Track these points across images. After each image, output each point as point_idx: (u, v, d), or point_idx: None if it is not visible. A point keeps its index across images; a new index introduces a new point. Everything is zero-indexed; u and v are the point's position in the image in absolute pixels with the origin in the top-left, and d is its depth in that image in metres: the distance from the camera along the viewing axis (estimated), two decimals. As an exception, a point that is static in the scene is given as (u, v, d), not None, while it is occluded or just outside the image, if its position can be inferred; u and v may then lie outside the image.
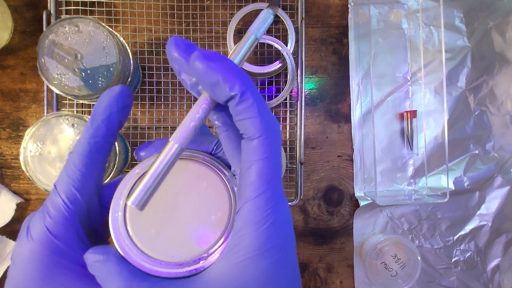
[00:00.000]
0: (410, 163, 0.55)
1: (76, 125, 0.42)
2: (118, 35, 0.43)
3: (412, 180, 0.55)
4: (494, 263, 0.55)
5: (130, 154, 0.51)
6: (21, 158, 0.41)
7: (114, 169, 0.44)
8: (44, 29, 0.48)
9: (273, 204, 0.19)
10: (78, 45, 0.41)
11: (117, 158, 0.44)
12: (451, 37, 0.55)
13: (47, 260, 0.20)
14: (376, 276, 0.52)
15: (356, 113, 0.55)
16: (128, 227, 0.21)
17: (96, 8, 0.51)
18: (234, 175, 0.22)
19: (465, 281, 0.55)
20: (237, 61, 0.20)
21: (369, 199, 0.53)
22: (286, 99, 0.53)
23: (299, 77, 0.51)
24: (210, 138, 0.24)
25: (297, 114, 0.53)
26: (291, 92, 0.52)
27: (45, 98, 0.49)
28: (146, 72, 0.52)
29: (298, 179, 0.52)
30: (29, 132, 0.41)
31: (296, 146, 0.53)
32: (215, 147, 0.23)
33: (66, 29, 0.41)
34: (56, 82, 0.41)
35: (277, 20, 0.52)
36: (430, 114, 0.55)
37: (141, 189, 0.19)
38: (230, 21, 0.50)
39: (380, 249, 0.52)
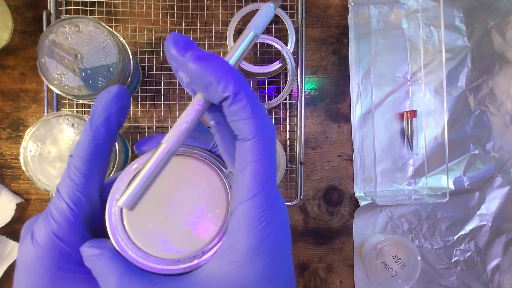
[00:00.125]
0: (410, 163, 0.55)
1: (76, 125, 0.42)
2: (118, 35, 0.43)
3: (412, 180, 0.55)
4: (494, 263, 0.55)
5: (130, 154, 0.51)
6: (21, 158, 0.41)
7: (114, 169, 0.44)
8: (44, 29, 0.48)
9: (267, 205, 0.19)
10: (78, 45, 0.41)
11: (117, 158, 0.44)
12: (451, 37, 0.55)
13: (53, 264, 0.20)
14: (376, 276, 0.52)
15: (356, 113, 0.55)
16: (125, 223, 0.21)
17: (96, 8, 0.51)
18: (232, 173, 0.22)
19: (465, 281, 0.55)
20: (234, 59, 0.20)
21: (369, 199, 0.53)
22: (286, 99, 0.53)
23: (299, 77, 0.51)
24: (209, 136, 0.24)
25: (297, 114, 0.53)
26: (291, 92, 0.52)
27: (45, 98, 0.49)
28: (146, 72, 0.52)
29: (298, 179, 0.52)
30: (29, 132, 0.41)
31: (296, 146, 0.53)
32: (214, 145, 0.23)
33: (66, 29, 0.41)
34: (56, 82, 0.41)
35: (277, 20, 0.52)
36: (430, 114, 0.55)
37: (132, 190, 0.19)
38: (230, 21, 0.50)
39: (380, 249, 0.52)
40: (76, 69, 0.41)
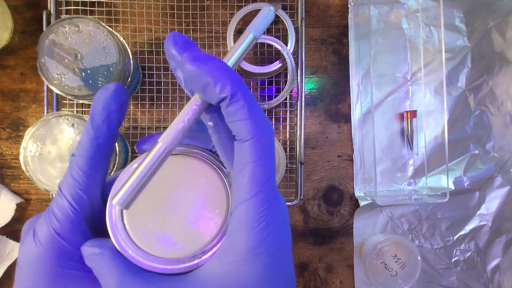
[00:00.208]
0: (410, 163, 0.55)
1: (76, 125, 0.42)
2: (118, 35, 0.43)
3: (412, 180, 0.55)
4: (494, 263, 0.55)
5: (130, 154, 0.51)
6: (21, 158, 0.41)
7: (114, 169, 0.44)
8: (44, 29, 0.48)
9: (267, 206, 0.19)
10: (78, 45, 0.41)
11: (117, 158, 0.44)
12: (451, 37, 0.55)
13: (55, 263, 0.20)
14: (376, 276, 0.52)
15: (356, 113, 0.55)
16: (125, 222, 0.21)
17: (96, 8, 0.51)
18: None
19: (465, 281, 0.55)
20: (233, 61, 0.20)
21: (369, 199, 0.53)
22: (286, 99, 0.53)
23: (299, 77, 0.51)
24: (209, 135, 0.24)
25: (297, 114, 0.53)
26: (291, 92, 0.52)
27: (45, 98, 0.49)
28: (146, 72, 0.52)
29: (298, 179, 0.52)
30: (29, 132, 0.41)
31: (296, 146, 0.53)
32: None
33: (66, 29, 0.41)
34: (56, 82, 0.41)
35: (277, 20, 0.52)
36: (430, 114, 0.55)
37: (126, 189, 0.19)
38: (230, 21, 0.50)
39: (380, 249, 0.52)
40: (76, 69, 0.41)
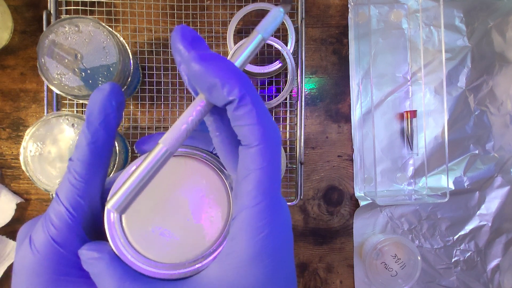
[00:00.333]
0: (410, 163, 0.55)
1: (76, 125, 0.42)
2: (118, 35, 0.43)
3: (412, 180, 0.55)
4: (494, 263, 0.55)
5: (130, 154, 0.51)
6: (21, 158, 0.41)
7: (114, 169, 0.44)
8: (44, 29, 0.48)
9: (270, 213, 0.18)
10: (78, 45, 0.41)
11: (117, 158, 0.44)
12: (451, 37, 0.55)
13: (52, 270, 0.19)
14: (376, 276, 0.52)
15: (356, 113, 0.55)
16: (124, 225, 0.20)
17: (96, 8, 0.51)
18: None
19: (465, 281, 0.55)
20: (239, 62, 0.19)
21: (369, 199, 0.53)
22: (286, 99, 0.53)
23: (299, 77, 0.51)
24: (210, 136, 0.23)
25: (297, 114, 0.53)
26: (291, 92, 0.52)
27: (45, 98, 0.49)
28: (146, 72, 0.52)
29: (298, 179, 0.52)
30: (29, 132, 0.41)
31: (296, 146, 0.53)
32: None
33: (66, 29, 0.41)
34: (56, 82, 0.41)
35: (277, 20, 0.52)
36: (430, 114, 0.55)
37: (122, 193, 0.18)
38: (230, 21, 0.50)
39: (380, 249, 0.52)
40: (76, 69, 0.41)
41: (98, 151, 0.20)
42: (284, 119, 0.54)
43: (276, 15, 0.20)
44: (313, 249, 0.55)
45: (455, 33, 0.55)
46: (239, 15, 0.50)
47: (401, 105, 0.55)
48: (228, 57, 0.48)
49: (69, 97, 0.42)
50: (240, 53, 0.19)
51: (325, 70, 0.55)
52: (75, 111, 0.51)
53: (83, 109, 0.52)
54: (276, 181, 0.19)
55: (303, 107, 0.52)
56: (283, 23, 0.51)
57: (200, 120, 0.19)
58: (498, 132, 0.55)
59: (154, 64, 0.52)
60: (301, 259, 0.55)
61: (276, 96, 0.52)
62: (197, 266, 0.20)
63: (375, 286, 0.53)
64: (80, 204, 0.20)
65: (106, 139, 0.20)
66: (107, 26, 0.41)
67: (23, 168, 0.41)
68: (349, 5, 0.54)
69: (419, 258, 0.51)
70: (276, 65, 0.49)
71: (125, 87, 0.45)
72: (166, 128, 0.53)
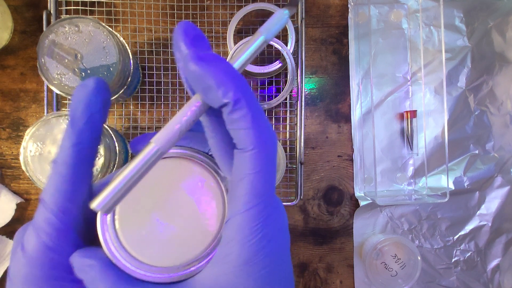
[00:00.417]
0: (410, 163, 0.55)
1: (76, 125, 0.42)
2: (118, 35, 0.43)
3: (412, 180, 0.55)
4: (494, 263, 0.55)
5: (130, 154, 0.51)
6: (21, 158, 0.41)
7: (114, 169, 0.44)
8: (44, 29, 0.48)
9: (264, 217, 0.18)
10: (78, 45, 0.41)
11: (117, 158, 0.44)
12: (451, 37, 0.55)
13: (46, 275, 0.19)
14: (376, 276, 0.52)
15: (356, 113, 0.55)
16: (117, 229, 0.20)
17: (96, 8, 0.51)
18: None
19: (465, 281, 0.55)
20: (239, 64, 0.19)
21: (369, 199, 0.53)
22: (286, 99, 0.53)
23: (299, 77, 0.51)
24: (205, 136, 0.23)
25: (297, 114, 0.53)
26: (291, 92, 0.52)
27: (45, 98, 0.49)
28: (146, 72, 0.52)
29: (298, 179, 0.52)
30: (29, 132, 0.41)
31: (296, 146, 0.53)
32: None
33: (66, 29, 0.41)
34: (56, 82, 0.41)
35: (277, 20, 0.52)
36: (430, 114, 0.55)
37: (108, 193, 0.18)
38: (230, 21, 0.50)
39: (380, 249, 0.52)
40: (76, 69, 0.41)
41: (83, 152, 0.19)
42: (284, 119, 0.54)
43: (281, 17, 0.20)
44: (313, 249, 0.55)
45: (455, 33, 0.55)
46: (239, 15, 0.50)
47: (401, 105, 0.55)
48: (229, 58, 0.48)
49: (69, 97, 0.42)
50: (240, 54, 0.19)
51: (325, 70, 0.55)
52: (75, 111, 0.51)
53: (83, 109, 0.51)
54: (271, 185, 0.19)
55: (303, 107, 0.52)
56: (283, 23, 0.51)
57: (195, 121, 0.19)
58: (498, 132, 0.55)
59: (154, 64, 0.52)
60: (301, 259, 0.55)
61: (276, 96, 0.52)
62: (191, 269, 0.19)
63: (375, 286, 0.53)
64: (68, 207, 0.19)
65: (92, 139, 0.20)
66: (107, 26, 0.41)
67: (23, 168, 0.41)
68: (349, 5, 0.54)
69: (419, 258, 0.51)
70: (276, 65, 0.49)
71: (125, 87, 0.45)
72: (166, 128, 0.53)
